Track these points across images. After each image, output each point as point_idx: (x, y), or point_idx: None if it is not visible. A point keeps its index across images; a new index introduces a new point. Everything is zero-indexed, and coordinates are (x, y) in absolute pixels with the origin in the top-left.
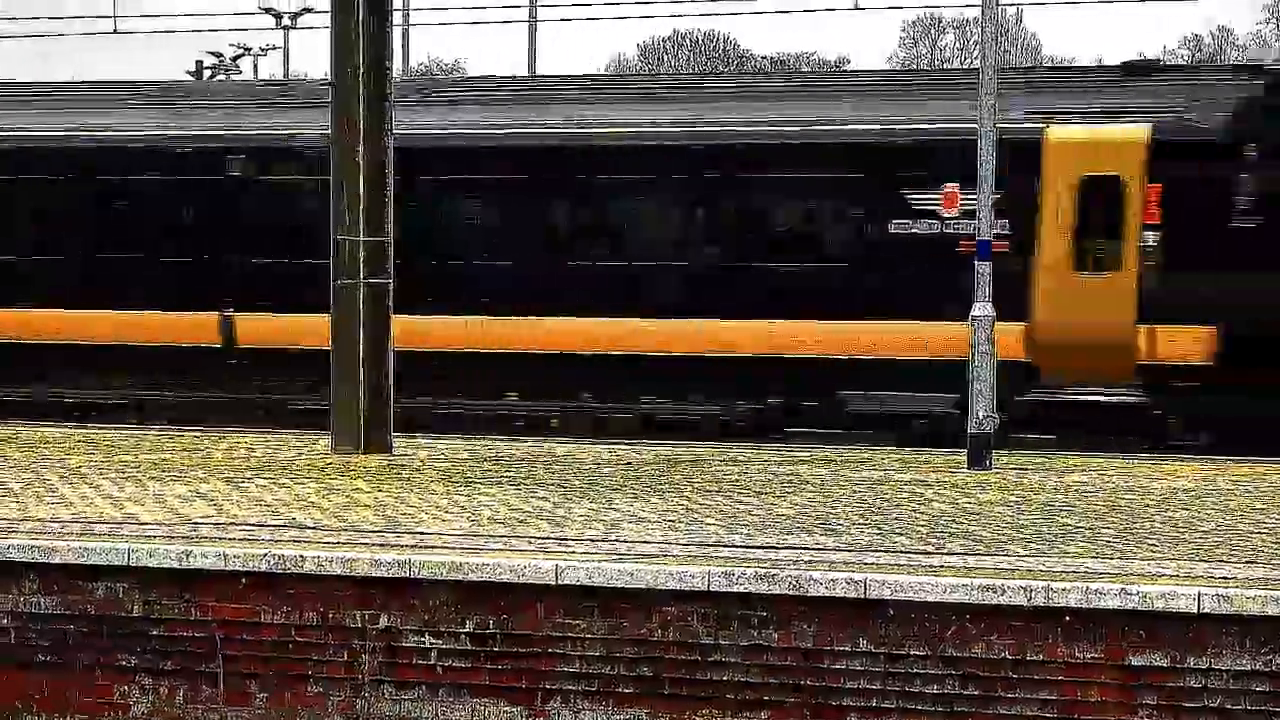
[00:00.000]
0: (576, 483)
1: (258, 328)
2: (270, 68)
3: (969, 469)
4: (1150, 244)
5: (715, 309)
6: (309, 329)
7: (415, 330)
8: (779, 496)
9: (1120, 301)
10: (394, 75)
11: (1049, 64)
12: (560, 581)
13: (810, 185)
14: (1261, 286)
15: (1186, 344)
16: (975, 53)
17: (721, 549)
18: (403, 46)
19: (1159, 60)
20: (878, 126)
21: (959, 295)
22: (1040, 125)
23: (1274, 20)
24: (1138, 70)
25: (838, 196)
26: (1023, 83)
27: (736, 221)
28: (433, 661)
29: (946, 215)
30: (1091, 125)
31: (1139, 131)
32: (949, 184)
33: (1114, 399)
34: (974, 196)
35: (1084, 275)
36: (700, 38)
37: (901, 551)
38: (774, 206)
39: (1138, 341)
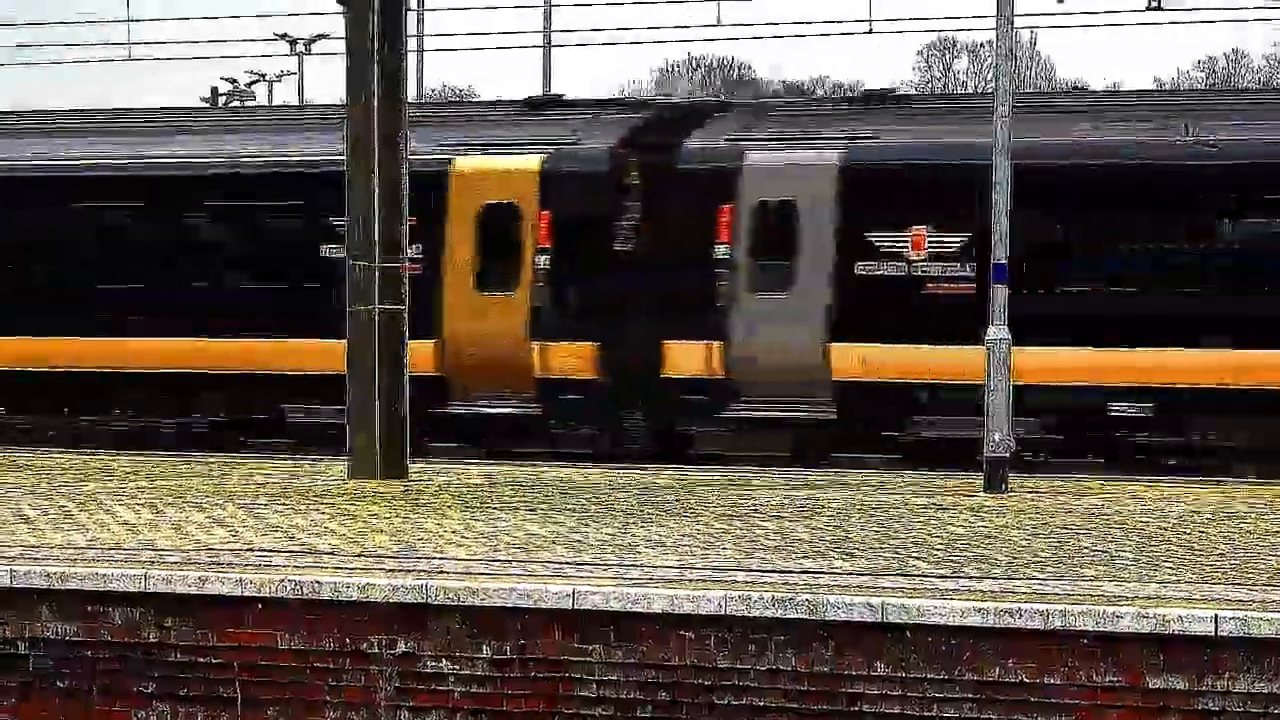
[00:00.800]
0: (593, 507)
1: None
2: (285, 94)
3: (985, 492)
4: (543, 266)
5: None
6: None
7: None
8: (795, 520)
9: (516, 320)
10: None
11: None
12: (577, 606)
13: (258, 213)
14: (634, 306)
15: (572, 359)
16: (990, 75)
17: (739, 573)
18: (417, 70)
19: (562, 95)
20: (309, 156)
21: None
22: (448, 157)
23: None
24: (539, 105)
25: (288, 224)
26: (436, 117)
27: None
28: (450, 687)
29: None
30: (493, 156)
31: (532, 162)
32: None
33: (516, 410)
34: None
35: (486, 295)
36: (714, 62)
37: (918, 575)
38: (229, 232)
39: (533, 357)
